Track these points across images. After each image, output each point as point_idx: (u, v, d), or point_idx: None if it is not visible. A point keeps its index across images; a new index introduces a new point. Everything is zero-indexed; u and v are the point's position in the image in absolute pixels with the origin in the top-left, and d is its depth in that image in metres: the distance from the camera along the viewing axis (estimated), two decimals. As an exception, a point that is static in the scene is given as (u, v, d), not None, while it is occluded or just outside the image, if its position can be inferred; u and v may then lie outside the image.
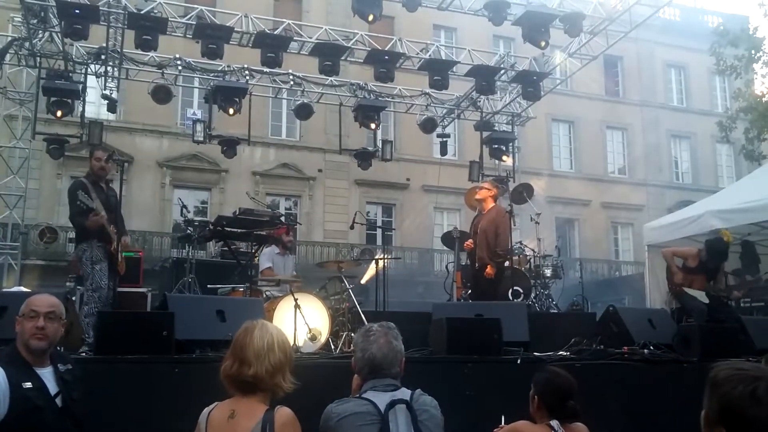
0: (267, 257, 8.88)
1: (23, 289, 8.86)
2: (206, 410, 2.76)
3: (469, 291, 9.69)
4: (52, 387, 3.37)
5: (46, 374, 3.39)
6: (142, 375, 4.83)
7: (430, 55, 13.81)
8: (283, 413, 2.66)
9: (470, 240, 8.81)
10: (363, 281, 10.14)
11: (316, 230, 24.87)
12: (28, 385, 3.25)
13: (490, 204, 8.79)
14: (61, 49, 12.69)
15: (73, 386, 3.48)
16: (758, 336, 6.89)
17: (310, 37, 13.15)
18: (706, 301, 8.67)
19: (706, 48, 21.98)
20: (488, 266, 8.41)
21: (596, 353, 6.36)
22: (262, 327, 2.78)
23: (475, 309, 7.03)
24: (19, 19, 12.58)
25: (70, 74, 12.98)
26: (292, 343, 6.26)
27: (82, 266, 6.97)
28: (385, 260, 9.20)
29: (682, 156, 31.45)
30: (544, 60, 14.39)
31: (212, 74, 13.80)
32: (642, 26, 13.91)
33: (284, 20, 13.39)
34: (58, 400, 3.35)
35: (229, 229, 8.28)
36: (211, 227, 9.12)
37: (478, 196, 8.95)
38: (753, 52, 20.37)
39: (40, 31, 12.40)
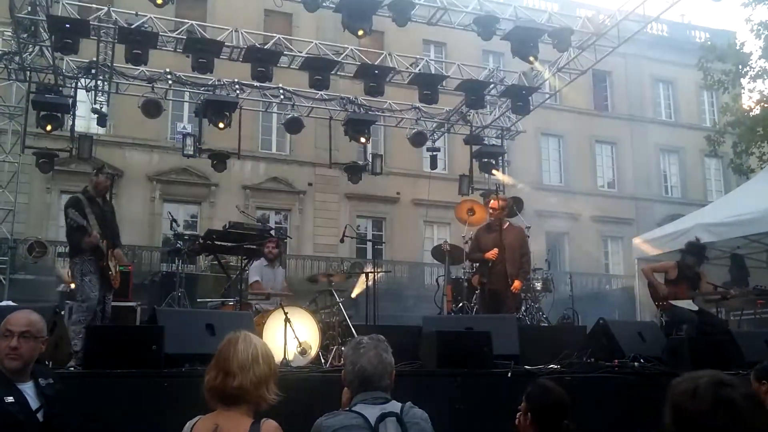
0: (256, 271, 8.85)
1: (11, 303, 8.82)
2: (189, 424, 2.69)
3: (461, 304, 9.73)
4: (33, 402, 3.35)
5: (27, 389, 3.37)
6: (131, 389, 4.80)
7: (419, 70, 13.86)
8: (270, 426, 2.62)
9: (495, 250, 8.62)
10: (353, 295, 10.13)
11: (306, 244, 24.83)
12: (10, 399, 3.23)
13: (504, 218, 8.96)
14: (51, 63, 12.69)
15: (55, 401, 3.45)
16: (748, 348, 6.91)
17: (301, 52, 13.20)
18: (695, 308, 8.67)
19: (693, 63, 22.08)
20: (517, 281, 8.64)
21: (587, 366, 6.38)
22: (245, 338, 2.72)
23: (465, 322, 7.04)
24: (9, 33, 12.56)
25: (60, 88, 12.95)
26: (282, 356, 6.25)
27: (74, 280, 7.25)
28: (375, 274, 9.21)
29: (670, 170, 31.62)
30: (533, 74, 14.46)
31: (202, 88, 13.82)
32: (630, 41, 13.98)
33: (275, 35, 13.42)
34: (39, 415, 3.33)
35: (218, 243, 8.27)
36: (201, 241, 9.11)
37: (496, 205, 8.88)
38: (740, 67, 20.49)
39: (31, 46, 12.39)
